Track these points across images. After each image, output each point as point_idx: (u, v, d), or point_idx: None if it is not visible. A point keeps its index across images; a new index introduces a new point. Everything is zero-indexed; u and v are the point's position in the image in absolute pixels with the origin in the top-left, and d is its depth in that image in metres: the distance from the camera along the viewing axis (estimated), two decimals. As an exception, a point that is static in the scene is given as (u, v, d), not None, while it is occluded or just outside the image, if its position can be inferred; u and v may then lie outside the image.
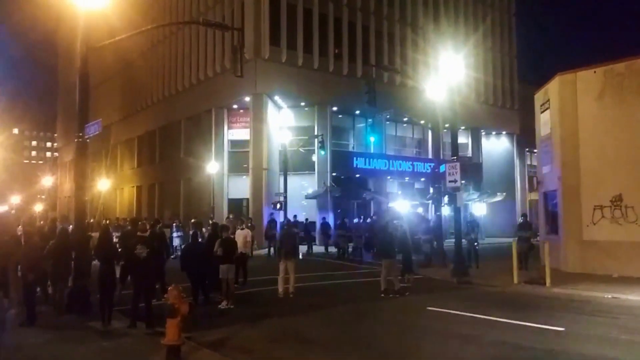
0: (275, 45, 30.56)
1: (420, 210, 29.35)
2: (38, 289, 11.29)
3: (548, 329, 9.23)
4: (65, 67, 59.14)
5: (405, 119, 37.62)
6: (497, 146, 45.52)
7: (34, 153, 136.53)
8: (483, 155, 42.85)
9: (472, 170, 38.49)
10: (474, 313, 10.68)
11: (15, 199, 72.68)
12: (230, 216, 23.88)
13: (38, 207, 59.44)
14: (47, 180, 63.81)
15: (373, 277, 16.42)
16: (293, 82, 31.08)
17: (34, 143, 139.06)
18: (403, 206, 28.63)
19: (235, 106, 33.39)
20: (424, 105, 27.52)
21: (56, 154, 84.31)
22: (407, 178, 37.19)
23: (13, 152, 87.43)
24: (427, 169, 35.80)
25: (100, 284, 9.37)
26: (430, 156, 38.22)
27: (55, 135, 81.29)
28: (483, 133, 43.48)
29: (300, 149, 31.45)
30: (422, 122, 37.20)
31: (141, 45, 40.55)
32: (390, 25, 36.23)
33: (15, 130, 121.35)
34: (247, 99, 31.12)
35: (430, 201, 29.86)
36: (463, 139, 40.52)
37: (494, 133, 45.07)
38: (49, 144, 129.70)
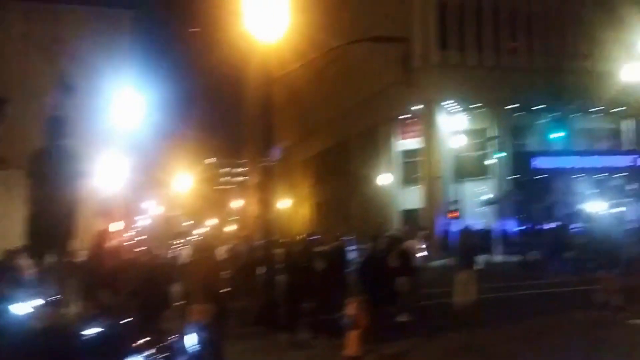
0: (444, 49, 29.94)
1: (620, 210, 25.96)
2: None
3: None
4: (247, 99, 65.46)
5: (595, 110, 33.64)
6: None
7: (225, 179, 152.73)
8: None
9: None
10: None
11: (211, 222, 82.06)
12: (399, 229, 23.80)
13: (231, 228, 66.22)
14: (237, 203, 70.70)
15: (560, 288, 15.04)
16: (465, 84, 30.02)
17: (225, 170, 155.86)
18: (597, 207, 25.60)
19: (405, 116, 33.35)
20: (618, 92, 24.48)
21: (244, 178, 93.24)
22: (600, 175, 33.18)
23: (208, 179, 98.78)
24: (626, 164, 31.55)
25: (287, 297, 10.00)
26: (628, 148, 33.62)
27: (243, 161, 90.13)
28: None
29: (475, 154, 30.19)
30: (617, 110, 32.96)
31: (311, 69, 42.93)
32: (572, 8, 32.73)
33: (210, 160, 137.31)
34: (417, 107, 30.89)
35: (632, 199, 26.24)
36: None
37: None
38: (237, 170, 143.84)
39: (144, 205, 47.57)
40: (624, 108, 32.47)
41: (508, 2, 31.22)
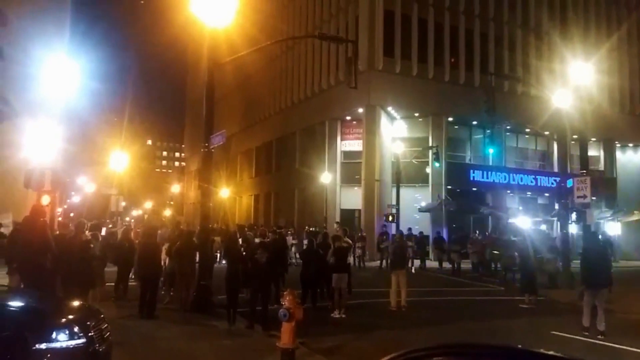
0: (389, 56, 30.43)
1: (544, 227, 27.41)
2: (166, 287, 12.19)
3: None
4: (192, 83, 63.91)
5: (527, 130, 35.51)
6: (635, 159, 41.19)
7: (164, 162, 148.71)
8: (618, 170, 38.99)
9: (605, 185, 35.16)
10: (604, 341, 9.69)
11: (148, 204, 79.92)
12: (336, 227, 23.95)
13: (167, 212, 64.70)
14: (175, 188, 69.16)
15: (489, 296, 15.65)
16: (407, 92, 30.68)
17: (164, 153, 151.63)
18: (525, 222, 26.93)
19: (348, 117, 33.70)
20: (548, 115, 25.73)
21: (183, 163, 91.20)
22: (529, 193, 34.99)
23: (146, 161, 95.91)
24: (552, 184, 33.40)
25: (227, 285, 9.82)
26: (555, 170, 35.68)
27: (183, 146, 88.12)
28: (618, 145, 39.66)
29: (414, 161, 30.87)
30: (547, 133, 34.87)
31: (259, 59, 42.44)
32: (511, 31, 34.55)
33: (149, 142, 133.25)
34: (361, 110, 31.24)
35: (555, 218, 27.77)
36: (594, 151, 37.32)
37: (631, 145, 40.90)
38: (177, 154, 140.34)
39: (78, 180, 45.10)
40: (547, 133, 34.42)
41: (449, 18, 32.26)
